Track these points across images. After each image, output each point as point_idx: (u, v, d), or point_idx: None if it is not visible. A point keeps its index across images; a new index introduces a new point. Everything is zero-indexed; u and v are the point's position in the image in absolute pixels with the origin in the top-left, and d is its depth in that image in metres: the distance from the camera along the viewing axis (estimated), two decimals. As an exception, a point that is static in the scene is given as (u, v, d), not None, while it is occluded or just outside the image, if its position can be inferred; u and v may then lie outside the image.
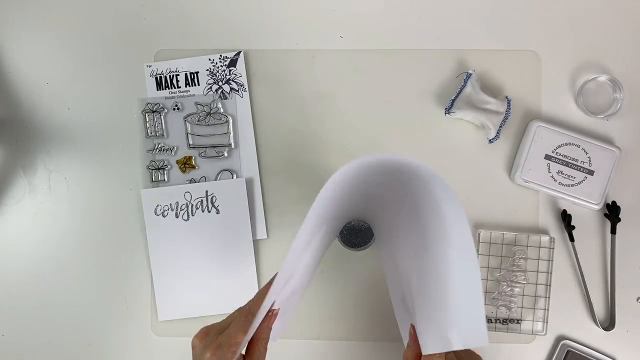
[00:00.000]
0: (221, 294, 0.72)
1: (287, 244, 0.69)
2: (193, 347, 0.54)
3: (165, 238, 0.71)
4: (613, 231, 0.73)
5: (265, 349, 0.54)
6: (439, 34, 0.76)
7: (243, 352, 0.53)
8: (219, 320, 0.55)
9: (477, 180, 0.75)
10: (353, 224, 0.70)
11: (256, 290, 0.71)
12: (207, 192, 0.71)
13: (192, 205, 0.70)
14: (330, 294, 0.75)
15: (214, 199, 0.70)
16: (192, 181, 0.75)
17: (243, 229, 0.72)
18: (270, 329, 0.55)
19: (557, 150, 0.72)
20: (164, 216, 0.71)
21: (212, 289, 0.72)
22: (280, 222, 0.75)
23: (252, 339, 0.54)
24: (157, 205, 0.71)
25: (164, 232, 0.71)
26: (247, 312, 0.54)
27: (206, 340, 0.53)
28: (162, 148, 0.75)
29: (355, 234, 0.70)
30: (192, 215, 0.71)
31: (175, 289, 0.72)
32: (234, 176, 0.75)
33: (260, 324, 0.54)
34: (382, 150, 0.75)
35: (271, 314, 0.55)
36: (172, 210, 0.70)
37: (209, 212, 0.70)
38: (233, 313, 0.56)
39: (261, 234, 0.74)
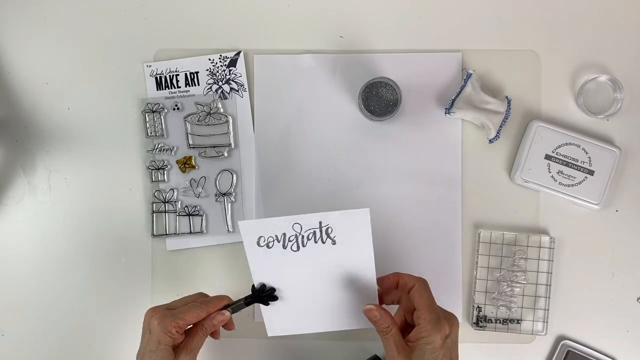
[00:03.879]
0: (335, 311, 0.65)
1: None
2: (144, 316, 0.63)
3: (272, 267, 0.64)
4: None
5: (204, 338, 0.63)
6: (439, 34, 0.76)
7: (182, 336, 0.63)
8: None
9: (477, 180, 0.75)
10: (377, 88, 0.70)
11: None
12: (320, 223, 0.62)
13: (303, 236, 0.62)
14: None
15: (330, 230, 0.62)
16: (192, 181, 0.75)
17: (365, 264, 0.63)
18: (216, 327, 0.63)
19: (557, 150, 0.72)
20: (268, 247, 0.63)
21: (326, 306, 0.65)
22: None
23: (197, 324, 0.63)
24: (260, 237, 0.63)
25: (270, 261, 0.64)
26: (205, 303, 0.63)
27: (157, 310, 0.62)
28: (162, 148, 0.75)
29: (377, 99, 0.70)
30: (304, 246, 0.63)
31: (282, 309, 0.65)
32: (234, 176, 0.75)
33: (209, 315, 0.63)
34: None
35: (224, 316, 0.63)
36: (279, 241, 0.63)
37: (324, 242, 0.62)
38: (186, 297, 0.65)
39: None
